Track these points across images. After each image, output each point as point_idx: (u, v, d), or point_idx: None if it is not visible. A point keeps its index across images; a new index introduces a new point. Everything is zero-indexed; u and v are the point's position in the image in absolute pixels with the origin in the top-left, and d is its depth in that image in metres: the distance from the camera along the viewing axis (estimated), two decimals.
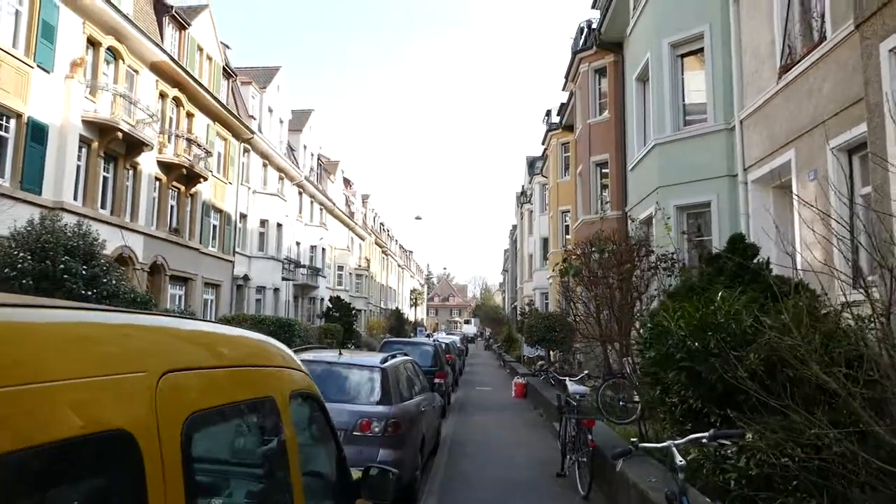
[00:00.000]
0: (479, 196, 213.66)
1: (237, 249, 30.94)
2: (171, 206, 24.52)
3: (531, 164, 51.04)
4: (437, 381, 13.33)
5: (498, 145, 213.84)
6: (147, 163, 22.15)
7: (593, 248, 11.76)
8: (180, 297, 25.31)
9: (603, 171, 21.84)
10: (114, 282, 13.61)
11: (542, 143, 34.60)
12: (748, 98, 11.18)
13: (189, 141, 25.01)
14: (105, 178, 20.23)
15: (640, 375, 8.03)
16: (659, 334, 5.96)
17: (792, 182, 9.43)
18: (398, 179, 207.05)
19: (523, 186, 58.43)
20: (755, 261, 6.79)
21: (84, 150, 19.00)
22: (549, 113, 33.68)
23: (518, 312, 47.77)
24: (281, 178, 37.58)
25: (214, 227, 28.62)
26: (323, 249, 45.56)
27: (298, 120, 42.96)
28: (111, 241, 20.06)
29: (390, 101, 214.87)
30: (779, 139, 9.93)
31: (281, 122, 37.61)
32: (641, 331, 7.39)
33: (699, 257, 10.46)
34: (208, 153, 26.16)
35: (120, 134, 19.48)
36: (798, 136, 9.17)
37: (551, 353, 23.33)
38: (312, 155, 45.30)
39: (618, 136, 20.64)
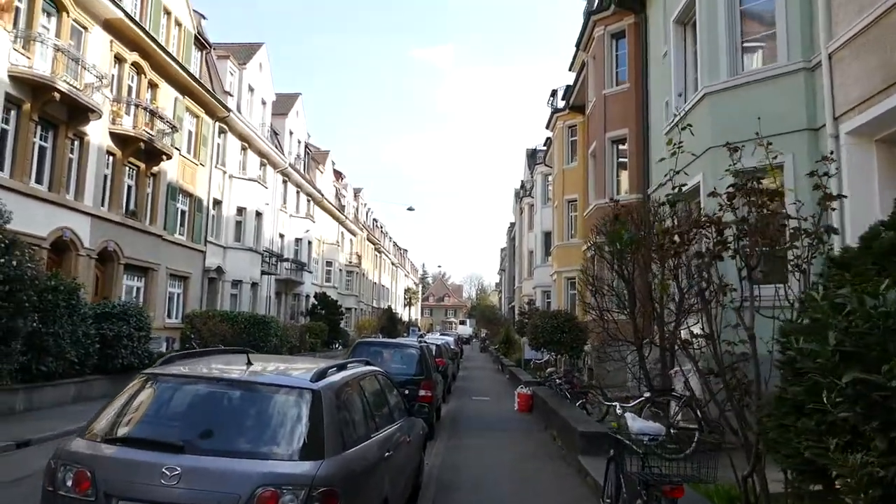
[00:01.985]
0: (476, 194, 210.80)
1: (210, 239, 28.04)
2: (128, 186, 21.61)
3: (531, 155, 48.29)
4: (421, 392, 10.49)
5: (496, 141, 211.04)
6: (97, 133, 19.25)
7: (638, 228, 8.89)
8: (138, 289, 22.39)
9: (620, 147, 19.02)
10: (14, 263, 10.72)
11: (547, 128, 31.80)
12: (841, 23, 8.36)
13: (151, 113, 22.12)
14: (42, 149, 17.33)
15: (743, 399, 5.20)
16: (821, 327, 3.11)
17: None
18: (393, 177, 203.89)
19: (522, 181, 55.68)
20: None
21: (13, 111, 16.11)
22: (554, 94, 30.92)
23: (517, 312, 44.96)
24: (263, 165, 34.69)
25: (182, 212, 25.72)
26: (309, 243, 42.66)
27: (283, 103, 40.05)
28: (49, 221, 17.23)
29: (386, 97, 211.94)
30: None
31: (263, 103, 34.72)
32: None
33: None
34: (174, 128, 23.25)
35: (58, 95, 16.59)
36: None
37: (554, 357, 20.50)
38: (299, 142, 42.42)
39: (638, 108, 17.86)
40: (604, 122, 19.28)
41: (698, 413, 7.92)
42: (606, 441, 7.09)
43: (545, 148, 37.95)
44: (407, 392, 10.29)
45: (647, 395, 8.04)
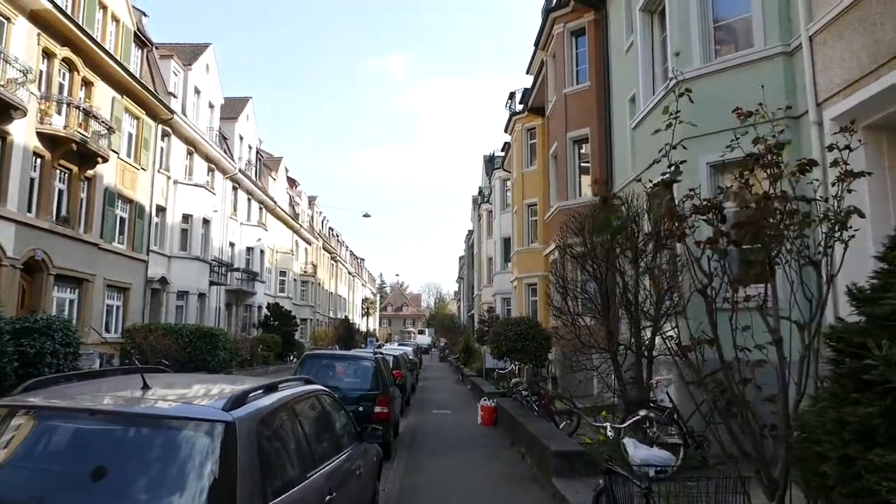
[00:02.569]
0: (434, 203, 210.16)
1: (153, 247, 26.46)
2: (59, 191, 20.05)
3: (489, 160, 47.80)
4: (377, 409, 9.53)
5: (454, 150, 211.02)
6: (21, 133, 17.72)
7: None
8: (71, 301, 20.77)
9: (581, 148, 18.46)
10: None
11: (505, 131, 31.21)
12: (822, 3, 7.82)
13: (85, 113, 20.61)
14: None
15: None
16: None
17: None
18: (349, 187, 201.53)
19: (480, 188, 55.15)
20: None
21: None
22: (512, 96, 30.34)
23: (477, 320, 44.23)
24: (211, 170, 33.18)
25: (122, 219, 24.15)
26: (262, 252, 41.12)
27: (233, 107, 38.61)
28: None
29: (342, 107, 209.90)
30: (887, 48, 6.58)
31: (211, 106, 33.25)
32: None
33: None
34: (110, 129, 21.75)
35: None
36: None
37: (517, 366, 19.76)
38: (250, 148, 40.96)
39: (600, 106, 17.33)
40: (565, 121, 18.70)
41: (683, 427, 7.19)
42: (582, 464, 6.31)
43: (503, 154, 37.43)
44: (361, 409, 9.36)
45: (643, 412, 7.21)
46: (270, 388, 3.76)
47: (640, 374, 8.09)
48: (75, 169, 20.42)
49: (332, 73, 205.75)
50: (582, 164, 18.67)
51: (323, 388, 5.12)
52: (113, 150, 22.52)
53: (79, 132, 19.82)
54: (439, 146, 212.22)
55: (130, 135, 24.81)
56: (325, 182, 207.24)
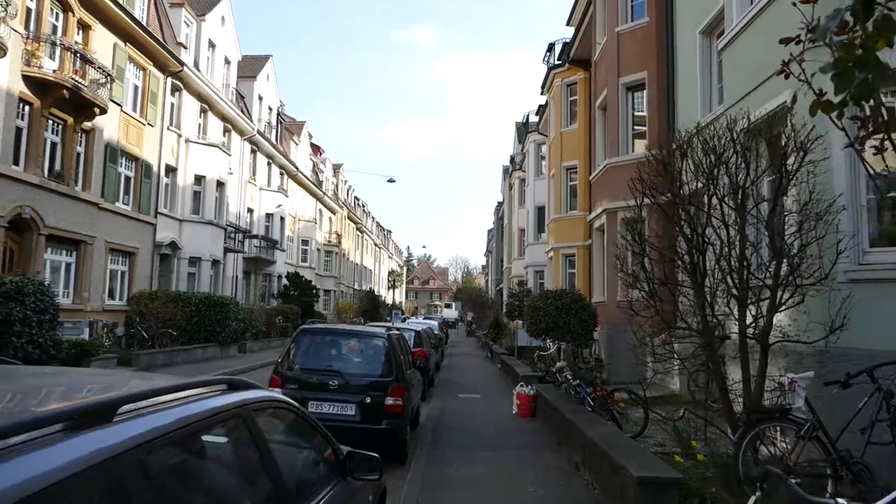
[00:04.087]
0: (463, 176, 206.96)
1: (162, 210, 24.68)
2: (52, 143, 18.21)
3: (522, 126, 45.11)
4: (388, 401, 7.44)
5: (482, 122, 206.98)
6: (3, 75, 15.84)
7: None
8: (68, 265, 19.06)
9: (635, 97, 15.95)
10: None
11: (542, 89, 28.58)
12: None
13: (82, 58, 18.64)
14: None
15: None
16: None
17: None
18: (374, 157, 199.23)
19: (512, 156, 52.52)
20: None
21: None
22: (551, 48, 27.65)
23: (506, 295, 42.07)
24: (227, 131, 31.25)
25: (127, 178, 22.36)
26: (282, 219, 39.30)
27: (252, 66, 36.54)
28: None
29: (368, 80, 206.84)
30: None
31: (227, 62, 31.21)
32: None
33: None
34: (109, 77, 19.79)
35: None
36: None
37: (553, 344, 17.58)
38: (270, 109, 38.91)
39: (661, 45, 14.80)
40: (617, 66, 16.18)
41: (831, 448, 4.94)
42: (677, 494, 4.15)
43: (538, 118, 34.81)
44: (369, 400, 7.29)
45: (771, 425, 4.93)
46: (127, 400, 1.67)
47: (746, 367, 5.83)
48: (70, 120, 18.54)
49: (359, 45, 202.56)
50: (636, 115, 16.17)
51: (278, 397, 3.00)
52: (115, 102, 20.64)
53: (73, 79, 17.88)
54: (469, 119, 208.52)
55: (136, 87, 22.88)
56: (351, 154, 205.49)
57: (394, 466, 7.73)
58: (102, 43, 20.13)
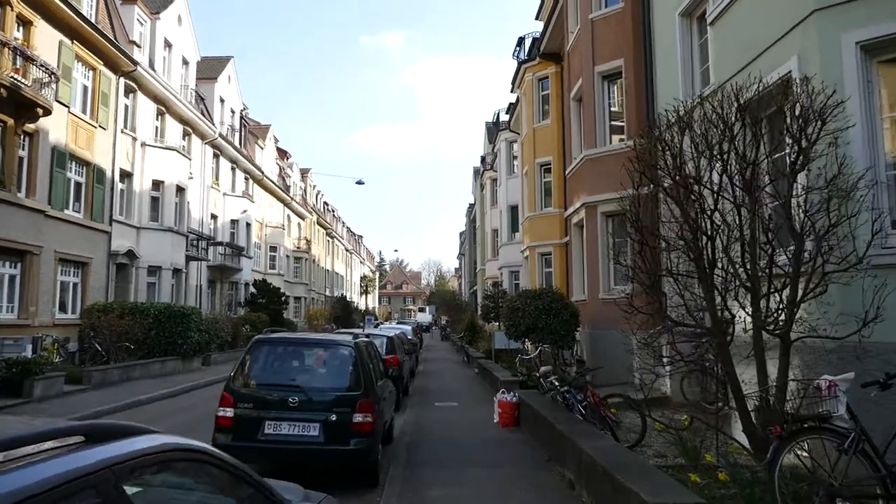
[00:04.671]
0: (432, 180, 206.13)
1: (117, 217, 23.38)
2: None
3: (493, 125, 44.45)
4: (357, 418, 6.54)
5: (452, 127, 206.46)
6: None
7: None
8: (12, 277, 17.73)
9: (612, 84, 15.30)
10: None
11: (513, 85, 27.91)
12: None
13: (22, 55, 17.38)
14: None
15: None
16: None
17: None
18: (343, 163, 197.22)
19: (482, 156, 51.88)
20: None
21: None
22: (520, 43, 26.96)
23: (481, 297, 41.29)
24: (187, 134, 29.97)
25: (77, 184, 21.06)
26: (248, 225, 38.02)
27: (212, 67, 35.27)
28: None
29: (335, 86, 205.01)
30: None
31: (185, 62, 29.93)
32: None
33: None
34: (54, 76, 18.52)
35: None
36: None
37: (532, 347, 16.83)
38: (233, 112, 37.64)
39: (637, 30, 14.17)
40: (591, 54, 15.51)
41: (880, 465, 4.19)
42: None
43: (509, 116, 34.16)
44: (334, 418, 6.41)
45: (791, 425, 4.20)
46: None
47: (763, 367, 5.09)
48: (10, 121, 17.25)
49: (326, 51, 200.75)
50: (612, 106, 15.52)
51: (178, 444, 2.11)
52: (61, 103, 19.37)
53: (12, 77, 16.63)
54: (439, 123, 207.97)
55: (85, 87, 21.60)
56: (319, 160, 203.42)
57: (364, 491, 6.84)
58: (46, 40, 18.87)
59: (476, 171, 57.66)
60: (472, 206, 65.03)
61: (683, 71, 11.80)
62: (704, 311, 5.72)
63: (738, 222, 5.13)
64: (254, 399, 6.67)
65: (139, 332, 19.85)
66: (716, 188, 5.25)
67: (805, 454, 4.52)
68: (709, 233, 5.25)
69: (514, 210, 31.58)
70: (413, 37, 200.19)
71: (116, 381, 17.10)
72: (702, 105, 5.69)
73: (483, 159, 50.10)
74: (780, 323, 5.07)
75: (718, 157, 5.18)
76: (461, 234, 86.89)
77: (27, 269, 18.14)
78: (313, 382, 6.98)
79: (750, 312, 5.31)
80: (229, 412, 6.58)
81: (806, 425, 4.43)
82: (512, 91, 30.28)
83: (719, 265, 5.33)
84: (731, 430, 6.47)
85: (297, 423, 6.51)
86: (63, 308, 20.41)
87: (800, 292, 4.99)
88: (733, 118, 5.28)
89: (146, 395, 14.80)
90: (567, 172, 18.81)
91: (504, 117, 37.62)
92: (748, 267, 5.21)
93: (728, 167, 5.25)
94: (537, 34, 25.45)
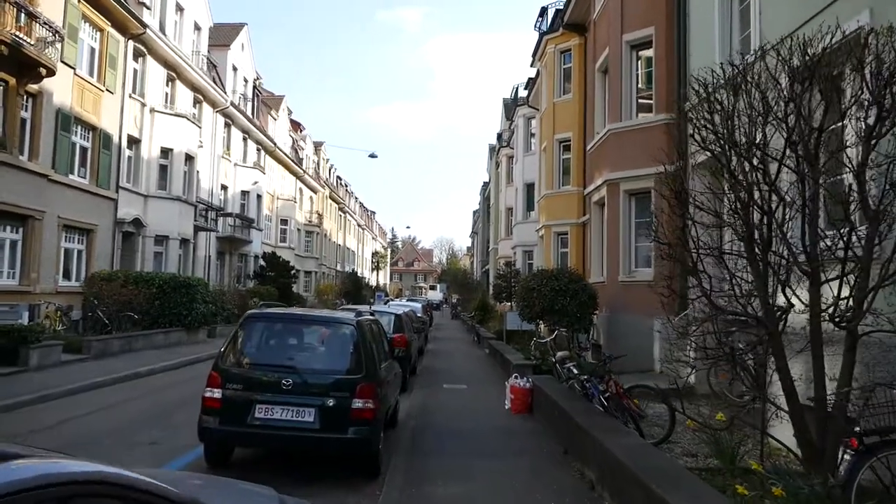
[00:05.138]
0: (447, 157, 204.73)
1: (124, 184, 22.86)
2: None
3: (511, 102, 43.40)
4: (356, 404, 5.92)
5: (467, 105, 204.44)
6: None
7: None
8: (13, 242, 17.28)
9: (641, 53, 14.43)
10: None
11: (533, 58, 26.93)
12: None
13: (27, 13, 16.72)
14: None
15: None
16: None
17: None
18: (357, 139, 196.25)
19: (499, 133, 50.85)
20: None
21: None
22: (543, 13, 25.95)
23: (493, 276, 40.67)
24: (198, 102, 29.30)
25: (83, 149, 20.51)
26: (259, 196, 37.49)
27: (225, 34, 34.47)
28: None
29: (352, 62, 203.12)
30: None
31: (197, 28, 29.16)
32: None
33: None
34: (59, 35, 17.87)
35: None
36: None
37: (545, 329, 16.19)
38: (246, 81, 36.89)
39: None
40: (620, 22, 14.61)
41: None
42: None
43: (527, 91, 33.17)
44: (332, 403, 5.83)
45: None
46: None
47: (821, 364, 4.39)
48: (12, 81, 16.65)
49: (341, 26, 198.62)
50: (641, 77, 14.64)
51: (75, 473, 1.45)
52: (66, 64, 18.75)
53: (14, 34, 16.00)
54: (455, 101, 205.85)
55: (92, 49, 20.94)
56: (335, 136, 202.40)
57: (362, 484, 6.26)
58: None
59: (492, 149, 56.68)
60: (486, 184, 64.12)
61: (721, 38, 10.94)
62: (750, 298, 5.01)
63: (801, 195, 4.40)
64: (244, 380, 6.06)
65: (144, 301, 19.43)
66: (777, 156, 4.51)
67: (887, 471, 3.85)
68: (766, 207, 4.52)
69: (529, 188, 30.77)
70: (431, 13, 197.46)
71: (117, 351, 16.67)
72: (761, 60, 4.92)
73: (499, 136, 49.10)
74: (847, 314, 4.36)
75: (781, 120, 4.44)
76: (474, 212, 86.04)
77: (29, 234, 17.67)
78: (310, 363, 6.37)
79: (807, 301, 4.60)
80: (217, 393, 5.99)
81: (890, 438, 3.76)
82: (532, 65, 29.28)
83: (774, 245, 4.62)
84: (771, 430, 5.79)
85: (291, 407, 5.91)
86: (67, 275, 19.99)
87: (873, 279, 4.28)
88: (797, 77, 4.53)
89: (146, 366, 14.35)
90: (589, 148, 17.98)
91: (522, 93, 36.62)
92: (808, 248, 4.50)
93: (791, 133, 4.51)
94: (560, 5, 24.44)
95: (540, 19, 26.23)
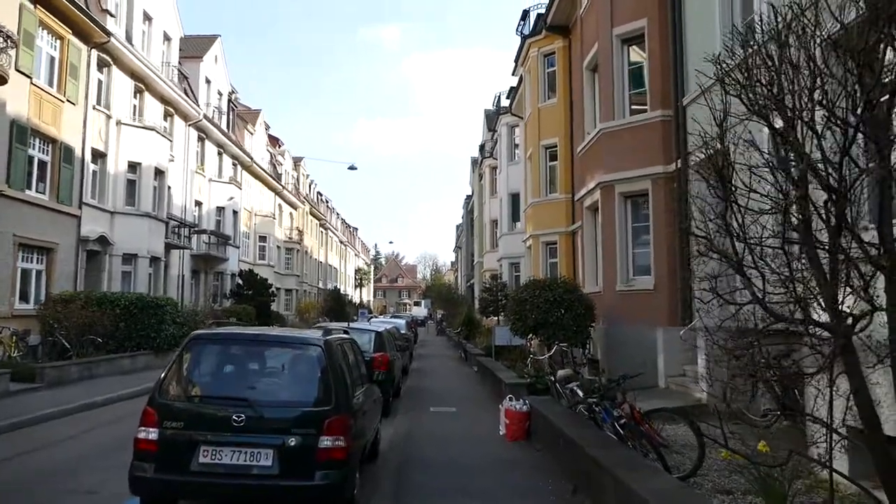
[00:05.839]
0: (429, 172, 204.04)
1: (88, 200, 21.60)
2: None
3: (493, 113, 42.65)
4: (324, 442, 4.84)
5: (448, 120, 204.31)
6: None
7: None
8: None
9: (633, 48, 13.61)
10: None
11: (516, 63, 26.13)
12: None
13: None
14: None
15: None
16: None
17: None
18: (337, 154, 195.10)
19: (481, 145, 50.12)
20: None
21: None
22: (525, 16, 25.13)
23: (478, 290, 39.67)
24: (169, 115, 28.15)
25: (42, 162, 19.28)
26: (235, 212, 36.24)
27: (197, 45, 33.41)
28: None
29: (332, 78, 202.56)
30: None
31: (167, 38, 28.07)
32: None
33: None
34: (11, 41, 16.70)
35: None
36: None
37: (538, 344, 15.19)
38: (220, 94, 35.81)
39: None
40: (610, 15, 13.80)
41: None
42: None
43: (509, 101, 32.42)
44: (293, 443, 4.73)
45: None
46: None
47: None
48: None
49: (322, 43, 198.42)
50: (632, 71, 13.80)
51: None
52: (22, 73, 17.59)
53: None
54: (436, 117, 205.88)
55: (51, 58, 19.79)
56: (314, 151, 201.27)
57: None
58: (4, 2, 17.07)
59: (474, 161, 55.89)
60: (469, 197, 63.31)
61: (723, 24, 10.10)
62: (806, 301, 4.04)
63: (879, 168, 3.46)
64: (186, 416, 4.94)
65: (108, 324, 18.15)
66: (838, 125, 3.54)
67: None
68: (838, 187, 3.55)
69: (515, 198, 29.91)
70: (409, 28, 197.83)
71: (76, 378, 15.39)
72: (809, 13, 3.99)
73: (482, 147, 48.32)
74: None
75: (853, 75, 3.50)
76: (458, 226, 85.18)
77: None
78: (267, 394, 5.27)
79: (884, 303, 3.65)
80: (153, 434, 4.87)
81: None
82: (514, 72, 28.54)
83: (844, 235, 3.66)
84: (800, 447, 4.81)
85: (244, 448, 4.81)
86: (25, 298, 18.68)
87: None
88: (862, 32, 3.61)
89: (103, 395, 13.09)
90: (578, 151, 17.10)
91: (505, 102, 35.88)
92: (886, 238, 3.56)
93: (856, 97, 3.58)
94: (542, 9, 23.71)
95: (522, 23, 25.49)
